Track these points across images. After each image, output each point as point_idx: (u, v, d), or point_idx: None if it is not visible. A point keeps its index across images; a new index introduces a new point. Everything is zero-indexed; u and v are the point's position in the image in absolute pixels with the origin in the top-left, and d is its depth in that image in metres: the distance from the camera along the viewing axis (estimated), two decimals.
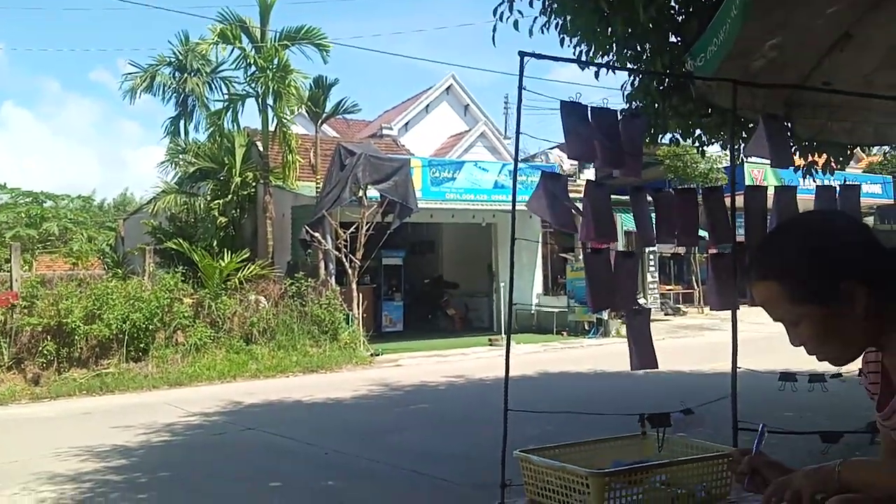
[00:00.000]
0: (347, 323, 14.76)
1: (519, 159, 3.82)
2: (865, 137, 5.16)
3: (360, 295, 15.30)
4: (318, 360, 13.59)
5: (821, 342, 1.39)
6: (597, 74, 5.44)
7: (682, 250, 21.24)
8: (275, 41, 17.22)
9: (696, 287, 22.18)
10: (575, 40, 5.64)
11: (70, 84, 77.89)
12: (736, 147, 5.02)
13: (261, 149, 17.96)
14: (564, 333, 17.40)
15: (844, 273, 1.34)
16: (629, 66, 5.62)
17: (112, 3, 67.66)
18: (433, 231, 20.77)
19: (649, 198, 3.78)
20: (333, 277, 15.72)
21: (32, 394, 11.52)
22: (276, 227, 17.35)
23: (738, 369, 3.73)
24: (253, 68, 17.21)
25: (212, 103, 19.36)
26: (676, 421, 2.83)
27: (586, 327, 17.33)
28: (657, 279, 21.23)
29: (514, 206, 3.53)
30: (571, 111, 3.37)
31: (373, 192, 14.89)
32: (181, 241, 16.16)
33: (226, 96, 18.92)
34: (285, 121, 17.27)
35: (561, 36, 5.66)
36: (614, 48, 5.61)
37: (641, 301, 14.32)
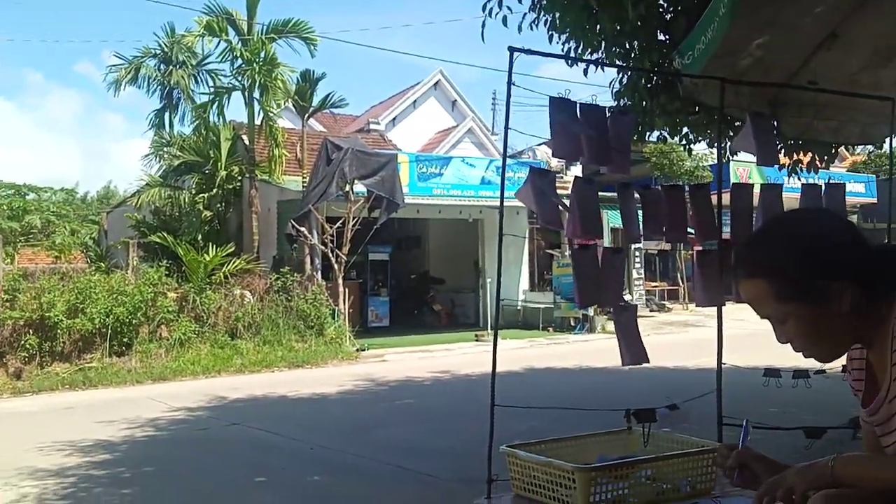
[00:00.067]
0: (333, 318, 14.73)
1: (507, 155, 3.81)
2: (851, 137, 5.21)
3: (347, 290, 15.27)
4: (303, 356, 13.55)
5: (807, 340, 1.40)
6: (585, 71, 5.45)
7: (668, 247, 21.36)
8: (262, 34, 17.10)
9: (681, 284, 22.33)
10: (563, 37, 5.64)
11: (54, 75, 77.10)
12: (722, 146, 5.04)
13: (247, 142, 17.85)
14: (550, 329, 17.46)
15: (831, 271, 1.35)
16: (617, 63, 5.63)
17: None
18: (420, 227, 20.75)
19: (637, 195, 3.79)
20: (319, 272, 15.67)
21: (14, 388, 11.41)
22: (262, 222, 17.27)
23: (722, 365, 3.76)
24: (239, 61, 17.09)
25: (197, 96, 19.22)
26: (662, 416, 2.85)
27: (572, 323, 17.40)
28: (643, 276, 21.34)
29: (501, 201, 3.53)
30: (560, 107, 3.37)
31: (359, 187, 14.85)
32: (165, 234, 16.05)
33: (211, 89, 18.80)
34: (272, 114, 17.17)
35: (550, 33, 5.66)
36: (603, 45, 5.62)
37: (627, 297, 14.38)
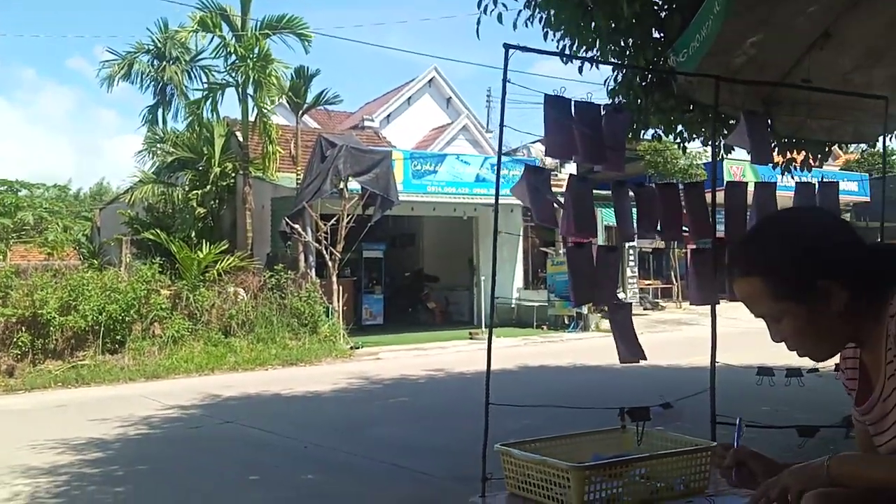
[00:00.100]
0: (327, 316, 14.71)
1: (501, 153, 3.81)
2: (844, 136, 5.22)
3: (341, 288, 15.25)
4: (297, 353, 13.53)
5: (802, 338, 1.40)
6: (580, 69, 5.45)
7: (662, 245, 21.40)
8: (256, 30, 17.04)
9: (674, 282, 22.37)
10: (558, 35, 5.64)
11: (46, 71, 76.71)
12: (716, 144, 5.05)
13: (240, 139, 17.79)
14: (544, 327, 17.47)
15: (826, 270, 1.35)
16: (612, 61, 5.63)
17: None
18: (414, 224, 20.73)
19: (631, 193, 3.79)
20: (313, 270, 15.64)
21: (7, 386, 11.36)
22: (256, 219, 17.22)
23: (716, 364, 3.77)
24: (233, 57, 17.02)
25: (191, 92, 19.12)
26: (655, 415, 2.85)
27: (566, 321, 17.42)
28: (637, 274, 21.38)
29: (497, 199, 3.52)
30: (555, 105, 3.37)
31: (354, 185, 14.82)
32: (158, 231, 15.99)
33: (205, 85, 18.70)
34: (265, 111, 17.12)
35: (545, 30, 5.66)
36: (597, 43, 5.62)
37: (621, 296, 14.40)
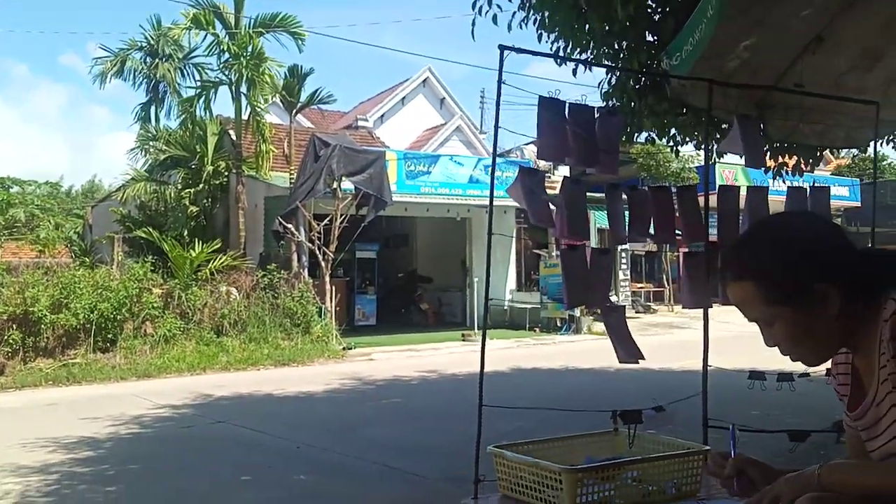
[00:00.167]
0: (320, 316, 14.69)
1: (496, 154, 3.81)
2: (836, 140, 5.24)
3: (333, 288, 15.23)
4: (289, 354, 13.51)
5: (795, 343, 1.41)
6: (574, 71, 5.46)
7: (654, 248, 21.46)
8: (249, 28, 17.01)
9: (666, 285, 22.43)
10: (553, 36, 5.65)
11: (39, 68, 76.35)
12: (709, 147, 5.07)
13: (234, 138, 17.76)
14: (537, 330, 17.49)
15: (819, 275, 1.36)
16: (606, 63, 5.65)
17: None
18: (407, 225, 20.72)
19: (624, 196, 3.80)
20: (306, 270, 15.62)
21: None
22: (249, 218, 17.19)
23: (708, 367, 3.78)
24: (226, 55, 16.98)
25: (184, 90, 19.08)
26: (648, 418, 2.85)
27: (559, 324, 17.45)
28: (629, 277, 21.43)
29: (491, 200, 3.53)
30: (549, 107, 3.37)
31: (347, 185, 14.81)
32: (151, 229, 15.94)
33: (198, 83, 18.66)
34: (259, 109, 17.09)
35: (539, 32, 5.67)
36: (591, 46, 5.64)
37: (613, 298, 14.43)
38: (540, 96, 3.43)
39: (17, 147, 63.18)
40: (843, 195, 22.62)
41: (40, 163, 63.75)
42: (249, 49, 16.63)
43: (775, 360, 1.80)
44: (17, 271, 13.63)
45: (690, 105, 5.04)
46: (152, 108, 19.20)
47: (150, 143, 19.08)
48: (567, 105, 3.46)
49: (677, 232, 3.91)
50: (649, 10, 5.47)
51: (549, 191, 3.71)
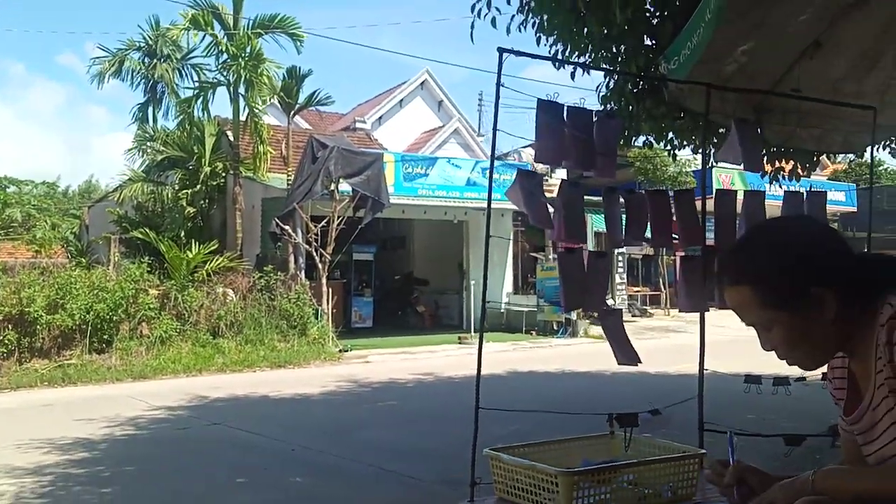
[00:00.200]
0: (316, 318, 14.67)
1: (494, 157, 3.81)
2: (833, 145, 5.25)
3: (330, 290, 15.22)
4: (285, 356, 13.49)
5: (792, 347, 1.41)
6: (572, 75, 5.47)
7: (651, 252, 21.45)
8: (248, 29, 17.01)
9: (663, 289, 22.45)
10: (551, 40, 5.66)
11: (36, 67, 76.25)
12: (707, 151, 5.08)
13: (231, 139, 17.75)
14: (533, 333, 17.49)
15: (816, 279, 1.36)
16: (604, 67, 5.66)
17: None
18: (405, 227, 20.72)
19: (622, 199, 3.80)
20: (303, 271, 15.61)
21: None
22: (246, 219, 17.17)
23: (704, 371, 3.78)
24: (225, 56, 16.99)
25: (182, 90, 19.11)
26: (644, 421, 2.85)
27: (555, 327, 17.45)
28: (625, 281, 21.45)
29: (489, 203, 3.53)
30: (547, 110, 3.37)
31: (345, 186, 14.81)
32: (147, 230, 15.92)
33: (196, 84, 18.67)
34: (257, 111, 17.10)
35: (538, 35, 5.68)
36: (590, 49, 5.65)
37: (609, 302, 14.46)
38: (539, 99, 3.43)
39: (14, 147, 63.10)
40: (839, 200, 22.68)
41: (37, 163, 63.75)
42: (248, 50, 16.64)
43: (771, 365, 1.80)
44: (14, 271, 13.61)
45: (688, 109, 5.04)
46: (150, 109, 19.22)
47: (148, 143, 19.07)
48: (565, 108, 3.46)
49: (674, 236, 3.92)
50: (647, 14, 5.48)
51: (546, 194, 3.70)
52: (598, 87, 6.06)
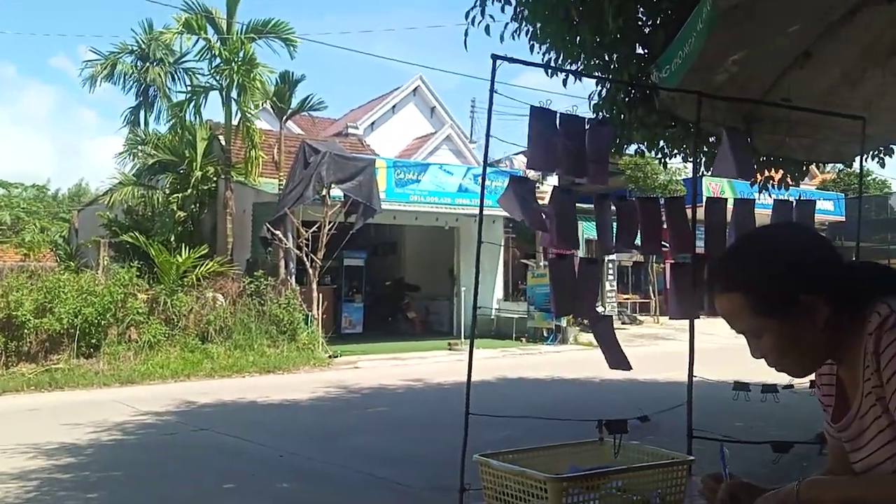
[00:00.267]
0: (306, 323, 14.63)
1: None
2: (823, 155, 5.29)
3: (321, 295, 15.18)
4: (275, 361, 13.43)
5: (782, 355, 1.41)
6: (564, 82, 5.49)
7: (641, 259, 21.55)
8: (241, 33, 17.01)
9: (652, 297, 22.52)
10: (544, 48, 5.69)
11: (28, 69, 75.89)
12: (698, 160, 5.11)
13: (223, 143, 17.71)
14: (523, 339, 17.50)
15: (807, 287, 1.36)
16: (597, 74, 5.69)
17: None
18: (396, 233, 20.72)
19: (613, 206, 3.82)
20: (293, 277, 15.56)
21: None
22: (237, 224, 17.12)
23: (693, 378, 3.79)
24: (217, 60, 16.97)
25: (174, 94, 19.06)
26: (633, 428, 2.86)
27: (545, 334, 17.47)
28: (615, 288, 21.50)
29: (481, 210, 3.53)
30: (540, 117, 3.39)
31: (336, 192, 14.79)
32: (137, 234, 15.84)
33: (188, 88, 18.64)
34: (249, 115, 17.07)
35: (531, 43, 5.71)
36: (582, 57, 5.68)
37: (599, 309, 14.46)
38: (532, 106, 3.45)
39: (3, 149, 62.70)
40: (828, 209, 22.84)
41: (27, 165, 63.38)
42: (241, 55, 16.62)
43: (759, 373, 1.80)
44: (2, 275, 13.50)
45: (679, 117, 5.08)
46: (142, 112, 19.16)
47: (139, 147, 18.99)
48: (558, 115, 3.47)
49: (664, 244, 3.93)
50: (640, 24, 5.52)
51: (538, 200, 3.71)
52: (590, 96, 6.10)
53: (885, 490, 1.30)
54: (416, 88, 26.10)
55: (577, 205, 3.71)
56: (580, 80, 5.71)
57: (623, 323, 20.90)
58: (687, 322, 3.88)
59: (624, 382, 9.23)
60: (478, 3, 5.68)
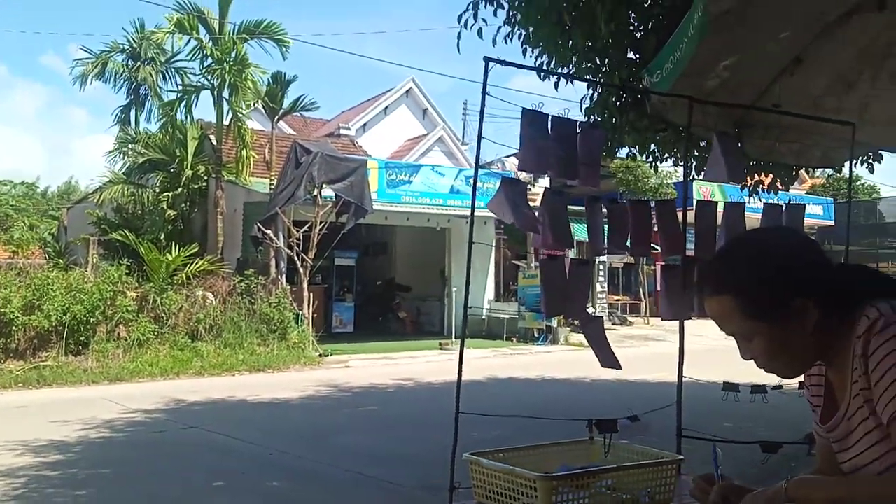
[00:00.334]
0: (297, 322, 14.61)
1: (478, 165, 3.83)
2: (812, 160, 5.34)
3: (311, 295, 15.17)
4: (265, 360, 13.41)
5: (772, 357, 1.42)
6: (556, 85, 5.53)
7: (631, 261, 21.63)
8: (233, 34, 16.98)
9: (643, 298, 22.60)
10: (537, 52, 5.72)
11: (18, 68, 75.36)
12: (688, 164, 5.15)
13: (214, 142, 17.66)
14: (514, 340, 17.53)
15: (797, 290, 1.38)
16: (588, 78, 5.72)
17: None
18: (387, 233, 20.71)
19: (604, 209, 3.85)
20: (284, 276, 15.54)
21: None
22: (227, 223, 17.07)
23: (682, 379, 3.82)
24: (209, 60, 16.93)
25: (165, 93, 18.97)
26: (623, 427, 2.88)
27: (535, 334, 17.51)
28: (606, 289, 21.58)
29: (473, 211, 3.54)
30: (532, 120, 3.41)
31: (328, 192, 14.79)
32: (127, 232, 15.78)
33: (180, 87, 18.56)
34: (241, 115, 17.03)
35: (524, 46, 5.73)
36: (574, 61, 5.71)
37: (590, 310, 14.50)
38: (524, 108, 3.47)
39: None
40: (817, 214, 22.99)
41: (17, 163, 63.01)
42: (233, 55, 16.59)
43: (748, 374, 1.83)
44: None
45: (670, 122, 5.10)
46: (132, 111, 19.06)
47: (129, 145, 18.91)
48: (550, 118, 3.49)
49: (654, 246, 3.97)
50: (631, 28, 5.55)
51: (530, 202, 3.73)
52: (582, 99, 6.13)
53: (872, 490, 1.32)
54: (408, 90, 26.10)
55: (569, 207, 3.73)
56: (572, 83, 5.74)
57: (613, 324, 20.97)
58: (676, 323, 3.91)
59: (614, 383, 9.27)
60: (470, 7, 5.70)
